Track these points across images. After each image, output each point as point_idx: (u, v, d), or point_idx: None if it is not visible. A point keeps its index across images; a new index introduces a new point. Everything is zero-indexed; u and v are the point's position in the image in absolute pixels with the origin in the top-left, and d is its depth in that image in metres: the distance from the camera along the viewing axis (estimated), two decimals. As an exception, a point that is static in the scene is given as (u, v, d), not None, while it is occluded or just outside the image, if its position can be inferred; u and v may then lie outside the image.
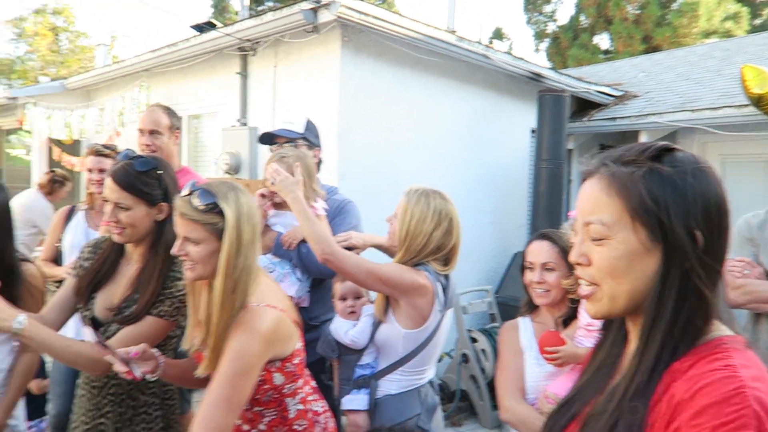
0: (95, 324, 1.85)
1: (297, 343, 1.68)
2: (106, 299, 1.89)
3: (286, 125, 2.63)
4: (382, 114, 4.88)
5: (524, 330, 2.07)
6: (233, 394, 1.47)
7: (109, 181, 1.85)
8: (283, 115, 5.05)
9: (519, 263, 2.16)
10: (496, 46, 5.74)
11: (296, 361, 1.68)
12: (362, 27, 4.44)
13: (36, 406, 2.83)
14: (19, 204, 4.94)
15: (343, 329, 2.13)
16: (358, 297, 2.22)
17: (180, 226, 1.56)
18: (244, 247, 1.54)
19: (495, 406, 4.61)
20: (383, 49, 4.76)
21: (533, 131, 6.07)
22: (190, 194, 1.55)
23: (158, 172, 1.90)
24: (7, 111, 9.15)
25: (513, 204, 6.23)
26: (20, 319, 1.61)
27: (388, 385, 2.06)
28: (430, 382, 2.14)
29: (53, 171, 5.77)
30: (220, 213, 1.54)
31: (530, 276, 2.04)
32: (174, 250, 1.59)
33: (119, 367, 1.55)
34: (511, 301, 5.25)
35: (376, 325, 2.10)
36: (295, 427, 1.68)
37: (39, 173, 8.69)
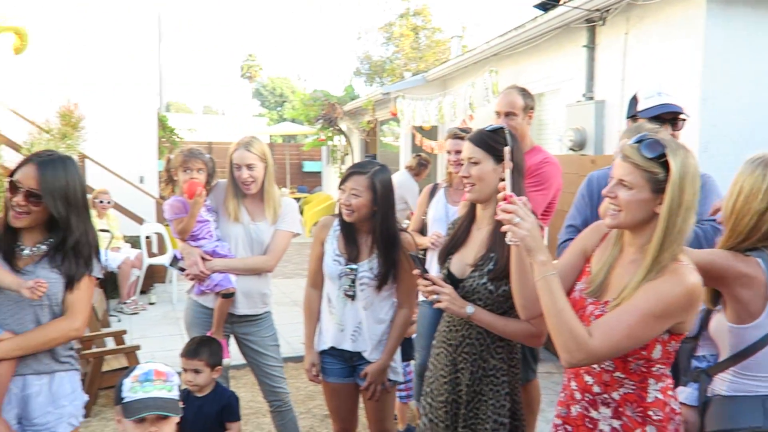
0: (451, 280, 2.10)
1: (689, 328, 1.61)
2: (461, 259, 2.13)
3: (666, 98, 2.43)
4: (758, 73, 4.13)
5: None
6: (637, 326, 1.48)
7: (465, 143, 2.10)
8: (633, 85, 4.72)
9: None
10: None
11: (676, 345, 1.60)
12: (735, -27, 3.82)
13: (404, 350, 3.31)
14: (394, 182, 5.82)
15: None
16: None
17: (618, 168, 1.60)
18: (683, 208, 1.51)
19: None
20: (763, -6, 4.01)
21: None
22: (640, 142, 1.58)
23: (506, 133, 2.06)
24: (382, 105, 10.81)
25: None
26: (470, 306, 1.98)
27: (720, 384, 1.80)
28: None
29: (419, 155, 6.63)
30: (663, 166, 1.53)
31: None
32: (604, 191, 1.64)
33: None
34: None
35: (707, 312, 1.87)
36: (650, 413, 1.59)
37: (405, 157, 10.05)
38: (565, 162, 4.74)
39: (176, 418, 1.76)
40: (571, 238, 2.36)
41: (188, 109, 39.85)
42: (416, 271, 2.03)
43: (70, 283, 2.05)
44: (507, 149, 1.71)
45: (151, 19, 10.04)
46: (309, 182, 18.06)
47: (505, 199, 1.61)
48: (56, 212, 1.99)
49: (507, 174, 1.67)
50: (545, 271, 1.55)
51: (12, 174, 1.98)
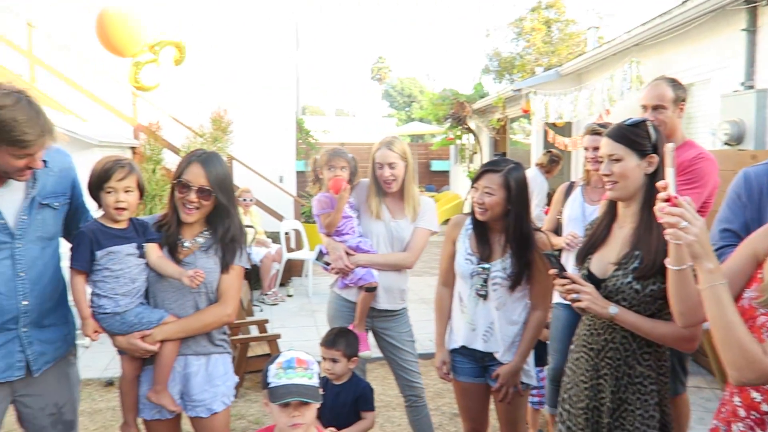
0: (591, 281, 1.99)
1: None
2: (602, 258, 2.02)
3: None
4: None
5: None
6: None
7: (603, 139, 1.99)
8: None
9: None
10: None
11: None
12: None
13: (538, 355, 3.22)
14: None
15: None
16: None
17: None
18: None
19: None
20: None
21: None
22: None
23: (648, 126, 1.94)
24: (512, 101, 10.58)
25: None
26: (613, 306, 1.88)
27: None
28: None
29: (550, 151, 6.42)
30: None
31: None
32: None
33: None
34: None
35: None
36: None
37: (536, 155, 9.76)
38: (720, 157, 4.33)
39: (317, 405, 1.85)
40: (729, 245, 2.15)
41: (321, 112, 41.72)
42: (553, 271, 1.96)
43: (224, 271, 2.24)
44: (670, 146, 1.58)
45: (289, 28, 10.65)
46: (437, 181, 18.13)
47: (668, 200, 1.47)
48: (225, 202, 2.20)
49: (670, 174, 1.52)
50: (713, 280, 1.41)
51: (179, 175, 2.20)
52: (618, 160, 1.93)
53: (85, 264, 2.10)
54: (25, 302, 2.01)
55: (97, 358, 4.83)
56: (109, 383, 4.44)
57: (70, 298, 2.20)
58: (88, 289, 2.16)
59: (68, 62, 8.06)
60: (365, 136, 19.74)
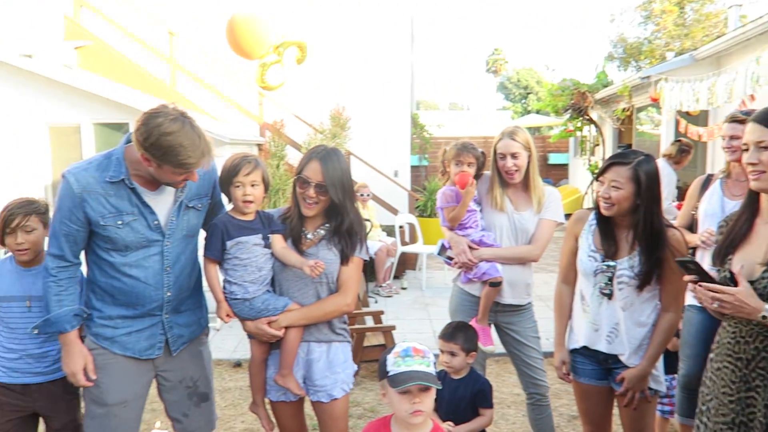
0: (734, 283, 1.81)
1: None
2: (745, 258, 1.85)
3: None
4: None
5: None
6: None
7: (749, 125, 1.81)
8: None
9: None
10: None
11: None
12: None
13: (670, 362, 3.01)
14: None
15: None
16: None
17: None
18: None
19: None
20: None
21: None
22: None
23: None
24: (639, 90, 9.94)
25: None
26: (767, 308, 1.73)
27: None
28: None
29: (679, 140, 5.97)
30: None
31: None
32: None
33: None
34: None
35: None
36: None
37: (666, 146, 9.10)
38: None
39: (434, 391, 1.87)
40: None
41: (435, 106, 41.69)
42: (690, 277, 1.81)
43: (344, 263, 2.32)
44: None
45: (404, 24, 10.74)
46: (554, 175, 17.46)
47: None
48: (337, 199, 2.27)
49: None
50: None
51: (300, 171, 2.30)
52: (766, 148, 1.75)
53: (217, 253, 2.27)
54: (168, 293, 2.23)
55: (227, 341, 5.19)
56: (237, 365, 4.77)
57: (204, 285, 2.39)
58: (221, 276, 2.33)
59: (203, 66, 8.72)
60: (479, 129, 19.47)
